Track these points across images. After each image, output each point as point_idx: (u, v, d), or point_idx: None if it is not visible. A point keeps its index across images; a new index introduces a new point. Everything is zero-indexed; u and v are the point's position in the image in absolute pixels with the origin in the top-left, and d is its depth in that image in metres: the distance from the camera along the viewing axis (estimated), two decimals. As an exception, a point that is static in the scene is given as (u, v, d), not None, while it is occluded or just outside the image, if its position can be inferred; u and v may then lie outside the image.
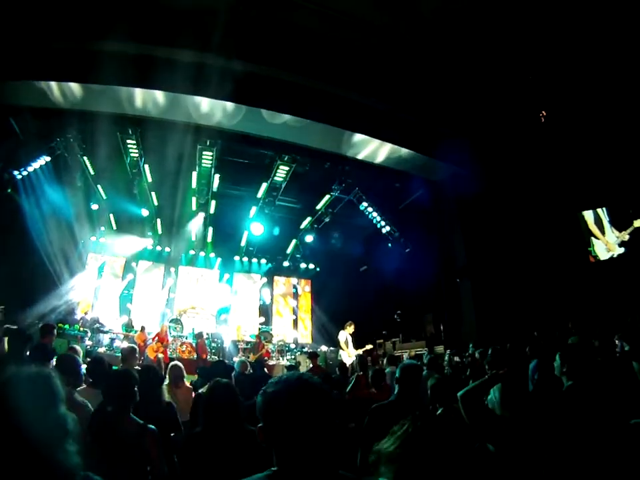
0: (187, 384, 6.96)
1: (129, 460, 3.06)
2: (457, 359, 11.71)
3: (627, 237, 13.17)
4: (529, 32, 10.82)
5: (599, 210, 13.90)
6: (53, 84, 12.23)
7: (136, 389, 3.67)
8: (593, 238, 13.95)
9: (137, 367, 7.67)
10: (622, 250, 13.35)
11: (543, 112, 12.89)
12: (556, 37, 10.80)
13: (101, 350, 16.13)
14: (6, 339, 6.01)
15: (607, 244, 13.60)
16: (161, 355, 14.75)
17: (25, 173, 15.29)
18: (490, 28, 10.88)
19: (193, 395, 6.28)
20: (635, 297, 11.82)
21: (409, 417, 1.60)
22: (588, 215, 14.08)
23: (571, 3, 9.96)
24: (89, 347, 15.72)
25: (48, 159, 15.37)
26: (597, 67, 11.35)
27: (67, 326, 15.61)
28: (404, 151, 14.83)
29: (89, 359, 8.56)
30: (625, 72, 11.18)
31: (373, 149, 15.12)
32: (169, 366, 6.61)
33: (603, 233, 13.76)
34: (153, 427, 3.47)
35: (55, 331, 7.95)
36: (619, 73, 11.26)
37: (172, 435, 4.33)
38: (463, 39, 11.32)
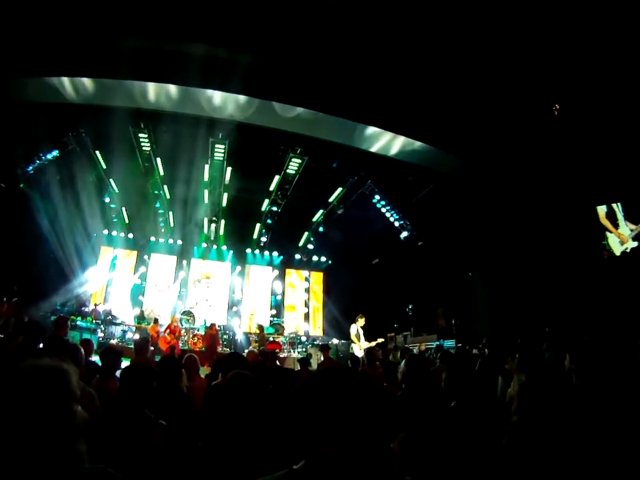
0: (201, 376, 6.98)
1: (138, 452, 3.07)
2: (475, 351, 11.70)
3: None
4: (541, 23, 10.72)
5: (613, 204, 13.76)
6: (65, 79, 12.28)
7: (153, 385, 3.68)
8: (607, 232, 13.83)
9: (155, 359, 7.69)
10: (635, 244, 13.22)
11: (556, 105, 12.79)
12: (571, 27, 10.69)
13: (113, 342, 16.28)
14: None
15: (620, 236, 13.47)
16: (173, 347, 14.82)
17: (37, 168, 15.38)
18: (503, 18, 10.79)
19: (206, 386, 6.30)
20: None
21: (418, 413, 1.61)
22: (600, 209, 13.96)
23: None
24: (101, 338, 15.90)
25: (60, 153, 15.45)
26: (612, 60, 11.23)
27: (79, 318, 15.76)
28: (417, 144, 14.73)
29: (101, 351, 8.62)
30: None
31: (385, 142, 15.03)
32: (184, 357, 6.62)
33: (616, 226, 13.62)
34: (162, 421, 3.48)
35: (69, 323, 7.98)
36: (634, 66, 11.14)
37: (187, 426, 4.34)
38: (474, 30, 11.23)
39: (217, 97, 13.05)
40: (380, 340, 13.49)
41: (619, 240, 13.50)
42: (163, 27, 11.09)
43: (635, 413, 3.10)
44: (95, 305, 18.48)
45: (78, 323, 15.49)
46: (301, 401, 1.70)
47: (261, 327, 18.02)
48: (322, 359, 11.87)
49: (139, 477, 2.91)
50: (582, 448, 2.49)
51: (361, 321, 13.16)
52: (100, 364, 5.61)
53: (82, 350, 4.67)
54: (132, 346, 12.19)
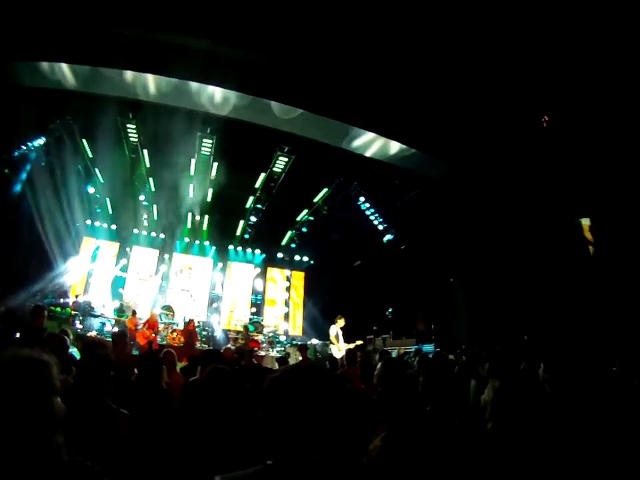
0: (178, 371, 6.97)
1: (100, 442, 3.04)
2: (451, 356, 11.75)
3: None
4: (534, 35, 10.80)
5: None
6: (56, 65, 12.13)
7: (111, 374, 3.63)
8: (590, 245, 13.90)
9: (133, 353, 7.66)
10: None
11: (546, 117, 12.88)
12: (564, 42, 10.78)
13: (92, 334, 16.14)
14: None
15: (603, 250, 13.55)
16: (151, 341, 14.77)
17: (22, 154, 15.22)
18: (494, 27, 10.85)
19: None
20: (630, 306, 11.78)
21: (388, 417, 1.62)
22: (585, 222, 14.03)
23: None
24: (79, 330, 15.73)
25: (47, 140, 15.31)
26: (602, 72, 11.33)
27: (58, 309, 15.60)
28: (405, 148, 14.74)
29: (80, 343, 8.56)
30: (629, 77, 11.17)
31: (373, 144, 15.03)
32: (162, 353, 6.60)
33: (599, 239, 13.70)
34: (124, 411, 3.45)
35: (46, 313, 7.92)
36: (623, 78, 11.25)
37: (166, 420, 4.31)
38: (465, 36, 11.27)
39: (207, 91, 12.96)
40: (359, 342, 13.53)
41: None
42: (158, 18, 11.02)
43: (608, 424, 3.15)
44: (76, 296, 18.32)
45: (57, 313, 15.36)
46: (268, 399, 1.72)
47: (246, 327, 18.04)
48: (300, 358, 11.91)
49: (109, 468, 2.89)
50: (558, 455, 2.53)
51: (341, 322, 13.19)
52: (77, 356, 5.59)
53: (67, 341, 4.64)
54: (110, 339, 12.11)
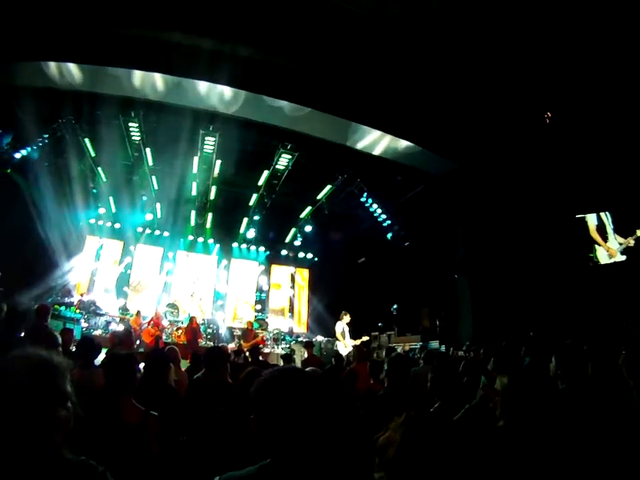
0: (182, 369, 6.95)
1: (130, 445, 3.01)
2: (460, 353, 11.71)
3: (632, 243, 13.00)
4: (539, 31, 10.74)
5: (602, 215, 13.76)
6: (58, 65, 12.13)
7: (138, 374, 3.60)
8: (595, 244, 13.84)
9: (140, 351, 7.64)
10: (623, 257, 13.24)
11: (548, 113, 12.83)
12: (568, 38, 10.73)
13: (97, 332, 16.18)
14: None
15: (609, 250, 13.48)
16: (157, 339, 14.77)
17: (25, 154, 15.19)
18: (497, 24, 10.79)
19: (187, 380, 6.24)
20: (632, 302, 11.74)
21: (402, 415, 1.58)
22: (591, 221, 13.95)
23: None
24: (84, 329, 15.75)
25: (50, 140, 15.28)
26: (606, 70, 11.28)
27: (62, 307, 15.59)
28: (407, 144, 14.72)
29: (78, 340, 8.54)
30: (633, 76, 11.12)
31: (376, 141, 15.02)
32: (165, 350, 6.57)
33: (605, 239, 13.62)
34: (155, 412, 3.42)
35: (51, 312, 7.89)
36: (627, 77, 11.20)
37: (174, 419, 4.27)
38: (469, 34, 11.23)
39: (210, 89, 12.95)
40: (365, 338, 13.52)
41: (608, 253, 13.52)
42: (162, 16, 11.00)
43: (620, 418, 3.11)
44: (81, 294, 18.32)
45: (62, 312, 15.35)
46: (257, 402, 1.68)
47: (250, 323, 17.95)
48: (305, 355, 11.88)
49: (138, 468, 2.87)
50: (572, 452, 2.49)
51: (346, 318, 13.17)
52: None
53: (59, 339, 4.60)
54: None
